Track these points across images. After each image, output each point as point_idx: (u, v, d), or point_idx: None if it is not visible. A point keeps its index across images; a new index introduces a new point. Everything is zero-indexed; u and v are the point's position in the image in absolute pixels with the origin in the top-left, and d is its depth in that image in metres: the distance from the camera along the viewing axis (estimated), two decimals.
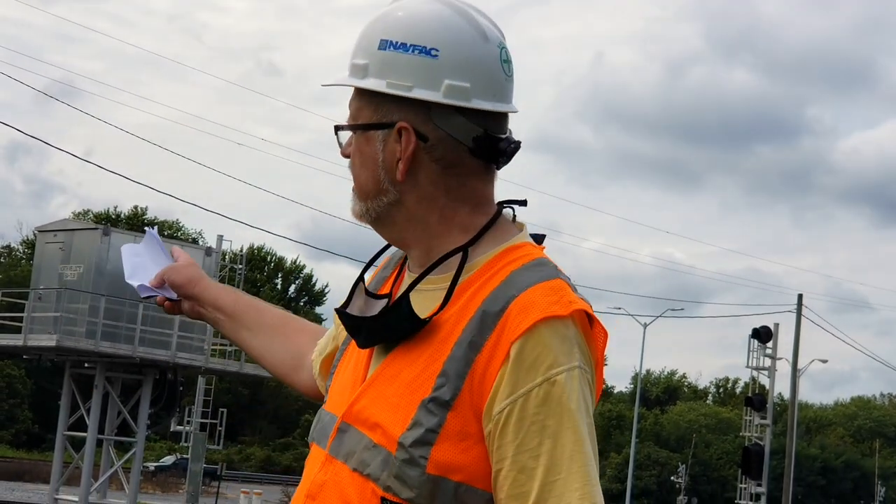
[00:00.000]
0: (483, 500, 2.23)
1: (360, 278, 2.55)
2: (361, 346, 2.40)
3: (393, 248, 2.58)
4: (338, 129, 2.44)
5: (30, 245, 76.86)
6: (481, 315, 2.24)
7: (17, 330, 31.22)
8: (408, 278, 2.45)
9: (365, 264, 2.62)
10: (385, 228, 2.43)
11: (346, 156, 2.43)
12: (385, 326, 2.34)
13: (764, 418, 40.38)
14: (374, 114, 2.38)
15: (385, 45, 2.36)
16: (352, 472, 2.27)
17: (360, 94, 2.39)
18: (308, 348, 2.86)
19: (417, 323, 2.29)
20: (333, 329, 2.72)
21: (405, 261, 2.50)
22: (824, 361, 55.15)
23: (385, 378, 2.32)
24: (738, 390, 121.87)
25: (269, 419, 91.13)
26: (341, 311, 2.46)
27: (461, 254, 2.34)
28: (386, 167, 2.36)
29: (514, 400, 2.19)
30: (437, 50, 2.35)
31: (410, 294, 2.33)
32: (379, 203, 2.37)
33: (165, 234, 73.68)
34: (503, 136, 2.37)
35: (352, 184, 2.43)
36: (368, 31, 2.40)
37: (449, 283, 2.32)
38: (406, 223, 2.39)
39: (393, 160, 2.35)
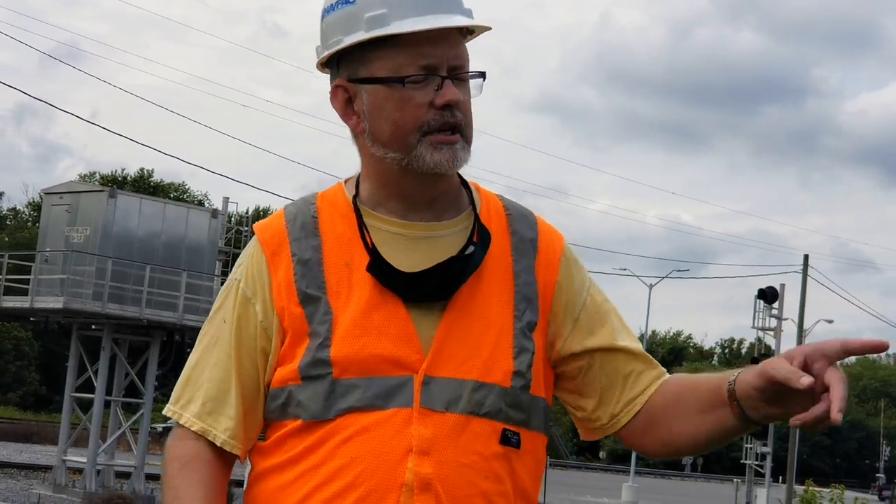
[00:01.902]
0: (544, 408, 2.51)
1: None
2: (435, 295, 2.41)
3: (291, 220, 2.53)
4: (483, 77, 2.50)
5: (36, 207, 76.84)
6: (518, 241, 2.53)
7: (24, 292, 31.21)
8: (397, 226, 2.48)
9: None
10: (453, 176, 2.52)
11: (456, 103, 2.43)
12: (475, 260, 2.45)
13: None
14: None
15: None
16: (465, 416, 2.36)
17: (463, 42, 2.49)
18: None
19: (487, 247, 2.48)
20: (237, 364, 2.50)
21: (359, 216, 2.49)
22: (830, 322, 54.97)
23: (463, 322, 2.42)
24: (743, 351, 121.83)
25: None
26: (428, 271, 2.42)
27: (466, 192, 2.57)
28: None
29: (586, 293, 2.59)
30: None
31: (427, 239, 2.47)
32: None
33: (171, 196, 73.60)
34: None
35: (460, 136, 2.44)
36: None
37: (465, 222, 2.51)
38: None
39: None
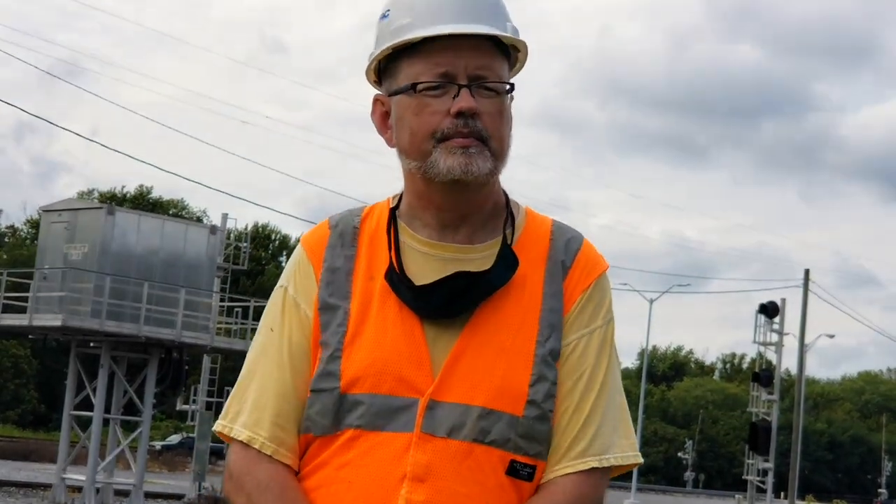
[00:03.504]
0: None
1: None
2: (448, 312, 2.37)
3: (334, 229, 2.53)
4: (512, 88, 2.46)
5: (34, 225, 76.83)
6: (553, 266, 2.45)
7: (23, 310, 31.19)
8: (427, 245, 2.45)
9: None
10: (487, 189, 2.46)
11: (474, 113, 2.38)
12: (491, 280, 2.40)
13: (771, 394, 40.37)
14: (508, 76, 2.49)
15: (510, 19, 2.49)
16: (469, 444, 2.31)
17: (499, 55, 2.45)
18: None
19: (514, 270, 2.42)
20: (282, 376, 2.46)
21: (393, 230, 2.48)
22: (831, 336, 55.11)
23: (478, 345, 2.37)
24: (745, 366, 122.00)
25: None
26: (435, 284, 2.38)
27: (508, 215, 2.50)
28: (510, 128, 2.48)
29: (580, 337, 2.43)
30: None
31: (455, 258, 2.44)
32: (504, 163, 2.46)
33: (171, 213, 73.63)
34: None
35: (482, 145, 2.39)
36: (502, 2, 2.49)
37: (497, 247, 2.45)
38: (496, 183, 2.49)
39: None
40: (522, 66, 2.54)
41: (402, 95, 2.42)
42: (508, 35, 2.43)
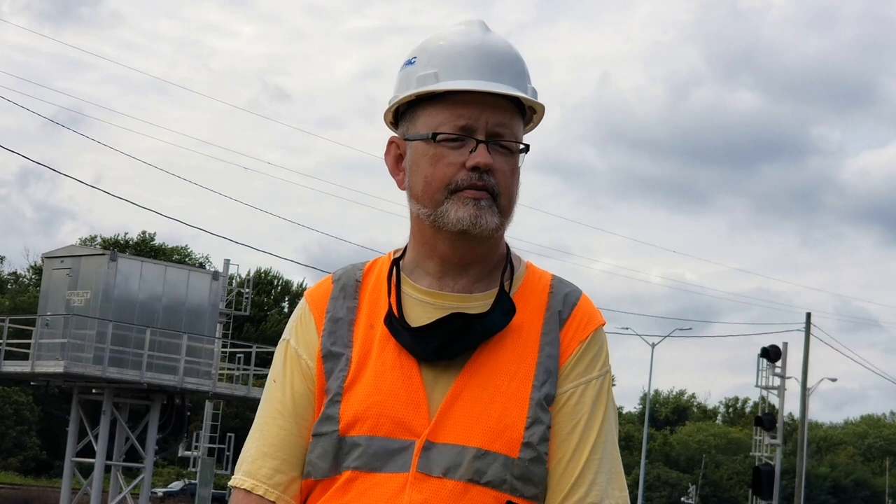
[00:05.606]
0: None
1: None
2: (445, 355, 2.42)
3: (338, 279, 2.60)
4: (527, 148, 2.52)
5: (37, 271, 76.88)
6: (551, 316, 2.50)
7: (25, 357, 31.21)
8: (427, 295, 2.50)
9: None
10: (491, 242, 2.51)
11: (489, 169, 2.44)
12: (488, 324, 2.44)
13: (774, 438, 40.26)
14: (522, 135, 2.54)
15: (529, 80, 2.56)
16: (464, 484, 2.35)
17: (517, 114, 2.51)
18: None
19: (511, 316, 2.47)
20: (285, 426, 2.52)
21: (394, 281, 2.53)
22: (834, 380, 54.85)
23: (474, 388, 2.41)
24: (747, 410, 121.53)
25: None
26: (432, 325, 2.43)
27: (507, 266, 2.55)
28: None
29: (576, 386, 2.47)
30: None
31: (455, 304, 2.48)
32: (509, 220, 2.52)
33: (173, 259, 73.69)
34: None
35: (492, 200, 2.43)
36: (522, 60, 2.55)
37: (496, 294, 2.47)
38: (500, 237, 2.54)
39: None
40: (536, 125, 2.59)
41: (420, 142, 2.47)
42: (530, 98, 2.48)
